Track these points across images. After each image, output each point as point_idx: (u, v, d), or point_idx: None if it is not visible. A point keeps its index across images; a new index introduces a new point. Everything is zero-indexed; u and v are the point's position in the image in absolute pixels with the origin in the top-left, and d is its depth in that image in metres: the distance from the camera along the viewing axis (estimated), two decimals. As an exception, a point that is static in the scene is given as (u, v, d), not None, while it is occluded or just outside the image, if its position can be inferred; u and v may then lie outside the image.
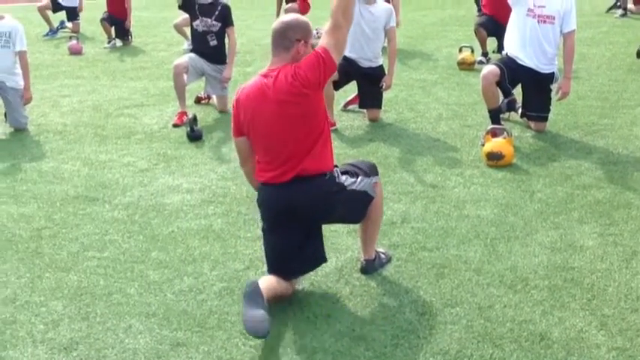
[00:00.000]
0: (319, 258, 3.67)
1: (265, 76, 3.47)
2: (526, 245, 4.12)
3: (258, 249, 4.22)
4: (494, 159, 5.38)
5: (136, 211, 4.84)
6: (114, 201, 5.03)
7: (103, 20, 11.08)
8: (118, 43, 11.16)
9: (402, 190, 4.94)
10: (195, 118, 6.41)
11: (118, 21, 11.11)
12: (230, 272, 3.93)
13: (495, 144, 5.46)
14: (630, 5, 11.75)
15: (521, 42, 5.82)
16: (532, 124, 6.11)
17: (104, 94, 8.11)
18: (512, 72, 5.81)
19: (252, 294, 3.27)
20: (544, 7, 5.75)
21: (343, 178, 3.59)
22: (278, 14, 11.12)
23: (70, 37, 10.94)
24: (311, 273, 3.73)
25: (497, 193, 4.90)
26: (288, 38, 3.44)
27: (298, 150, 3.44)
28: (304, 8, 10.42)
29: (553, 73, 5.92)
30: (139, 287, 3.80)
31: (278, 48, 3.47)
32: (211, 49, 6.98)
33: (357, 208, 3.68)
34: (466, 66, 8.55)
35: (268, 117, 3.42)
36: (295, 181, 3.46)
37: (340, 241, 4.21)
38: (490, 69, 5.83)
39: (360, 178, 3.65)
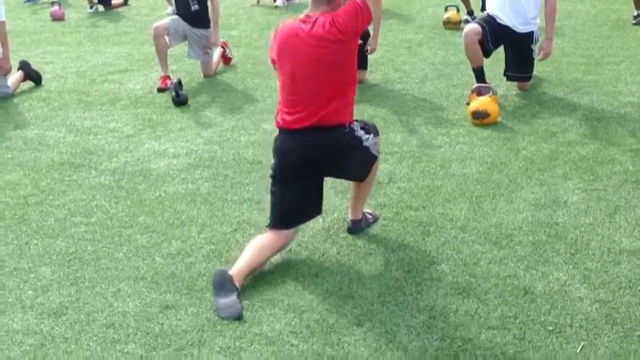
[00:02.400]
0: (318, 209, 3.73)
1: (303, 21, 3.51)
2: (511, 202, 4.16)
3: (246, 212, 4.25)
4: (480, 117, 5.40)
5: (123, 176, 4.84)
6: (100, 167, 5.02)
7: None
8: (101, 8, 11.01)
9: (388, 150, 4.95)
10: (180, 83, 6.37)
11: None
12: (218, 235, 3.96)
13: (480, 102, 5.47)
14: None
15: (501, 0, 5.80)
16: (516, 83, 6.12)
17: (88, 60, 8.03)
18: (493, 31, 5.79)
19: (221, 282, 3.30)
20: None
21: (361, 132, 3.63)
22: None
23: (52, 3, 10.78)
24: (299, 233, 3.76)
25: (483, 151, 4.92)
26: None
27: (322, 96, 3.46)
28: None
29: (532, 32, 5.88)
30: (127, 252, 3.82)
31: (321, 1, 3.50)
32: (193, 13, 6.87)
33: (365, 165, 3.71)
34: (452, 25, 8.50)
35: (300, 58, 3.47)
36: (314, 129, 3.48)
37: (327, 201, 4.22)
38: (472, 27, 5.81)
39: (371, 135, 3.68)
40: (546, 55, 5.92)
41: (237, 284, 3.31)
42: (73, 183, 4.77)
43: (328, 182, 3.91)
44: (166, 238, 3.95)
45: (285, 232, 3.61)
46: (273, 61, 3.68)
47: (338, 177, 3.92)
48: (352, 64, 3.54)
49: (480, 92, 5.61)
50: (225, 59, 7.50)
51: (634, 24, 8.04)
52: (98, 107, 6.37)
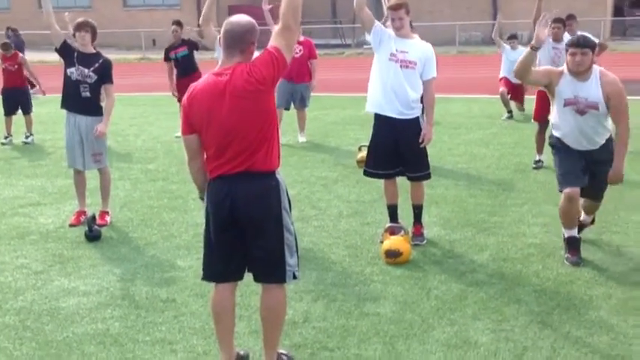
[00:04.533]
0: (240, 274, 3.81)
1: (219, 74, 3.60)
2: (424, 342, 4.22)
3: (158, 353, 4.13)
4: (393, 256, 5.54)
5: (29, 316, 4.66)
6: (5, 306, 4.82)
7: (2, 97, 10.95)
8: (15, 139, 10.92)
9: (304, 289, 4.99)
10: (94, 217, 6.31)
11: (16, 91, 10.90)
12: (127, 379, 3.82)
13: (393, 241, 5.63)
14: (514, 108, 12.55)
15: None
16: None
17: (-2, 193, 7.87)
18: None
19: None
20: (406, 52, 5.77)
21: (286, 206, 3.72)
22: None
23: (-36, 133, 10.64)
24: None
25: (396, 290, 5.02)
26: (245, 41, 3.61)
27: (249, 146, 3.56)
28: None
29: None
30: (29, 398, 3.63)
31: (234, 49, 3.61)
32: (82, 99, 6.50)
33: (277, 238, 3.68)
34: (364, 164, 8.81)
35: (223, 112, 3.54)
36: (243, 175, 3.58)
37: (242, 342, 4.18)
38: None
39: (294, 247, 3.76)
40: (428, 140, 5.82)
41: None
42: (-26, 323, 4.55)
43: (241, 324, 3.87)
44: (72, 383, 3.78)
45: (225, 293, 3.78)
46: (189, 132, 3.68)
47: (253, 244, 3.71)
48: (273, 110, 3.67)
49: (392, 231, 5.79)
50: None
51: (534, 168, 8.57)
52: (6, 242, 6.19)
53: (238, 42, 3.60)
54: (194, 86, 3.70)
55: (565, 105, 5.36)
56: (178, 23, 11.18)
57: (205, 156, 3.72)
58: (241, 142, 3.57)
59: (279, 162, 3.74)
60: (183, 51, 10.99)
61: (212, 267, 3.78)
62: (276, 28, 3.69)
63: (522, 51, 11.74)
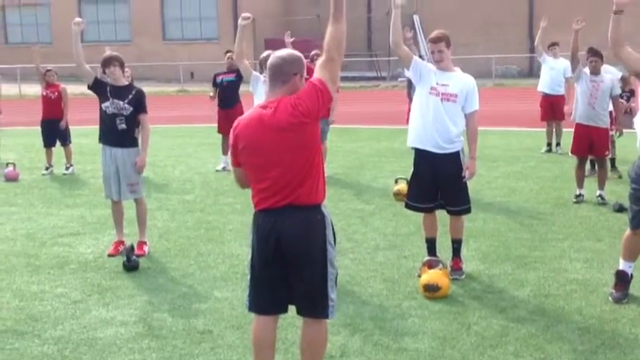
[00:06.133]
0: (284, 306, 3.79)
1: (264, 107, 3.62)
2: (464, 380, 4.13)
3: (194, 386, 4.11)
4: (431, 290, 5.46)
5: (67, 345, 4.68)
6: (44, 335, 4.86)
7: (41, 127, 11.19)
8: (56, 170, 11.11)
9: (341, 322, 4.93)
10: (132, 248, 6.35)
11: (54, 123, 11.11)
12: (164, 411, 3.80)
13: (432, 275, 5.55)
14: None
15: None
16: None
17: (39, 222, 7.99)
18: None
19: None
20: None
21: (331, 240, 3.71)
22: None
23: (7, 164, 10.85)
24: None
25: (435, 325, 4.94)
26: (285, 72, 3.63)
27: (293, 180, 3.56)
28: None
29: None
30: None
31: (276, 82, 3.63)
32: (119, 132, 6.56)
33: (320, 280, 3.66)
34: (402, 197, 8.72)
35: (267, 145, 3.56)
36: (289, 209, 3.58)
37: (278, 376, 4.14)
38: None
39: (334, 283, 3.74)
40: (472, 174, 5.79)
41: None
42: (14, 352, 4.58)
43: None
44: (109, 415, 3.77)
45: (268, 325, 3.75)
46: (237, 164, 3.73)
47: (297, 278, 3.69)
48: (317, 144, 3.66)
49: (431, 265, 5.72)
50: None
51: (575, 202, 8.43)
52: (46, 271, 6.25)
53: (279, 74, 3.64)
54: (240, 120, 3.74)
55: None
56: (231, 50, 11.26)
57: (251, 188, 3.73)
58: (286, 175, 3.57)
59: (325, 195, 3.73)
60: (230, 77, 11.09)
61: (256, 299, 3.77)
62: (319, 61, 3.71)
63: (564, 61, 11.70)
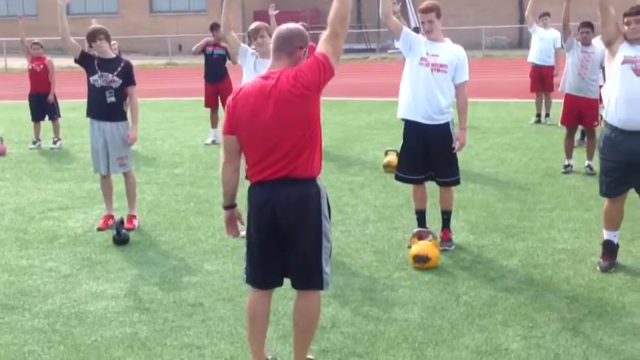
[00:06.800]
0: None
1: (266, 77, 3.61)
2: (453, 349, 4.17)
3: (186, 357, 4.13)
4: (421, 261, 5.49)
5: (57, 319, 4.68)
6: (34, 309, 4.86)
7: (29, 100, 11.10)
8: (43, 144, 11.04)
9: (331, 294, 4.95)
10: (122, 221, 6.33)
11: (42, 97, 11.01)
12: (155, 383, 3.82)
13: (422, 246, 5.58)
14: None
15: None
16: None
17: (27, 197, 7.95)
18: None
19: None
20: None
21: (326, 213, 3.70)
22: None
23: (-7, 138, 10.77)
24: None
25: (424, 295, 4.97)
26: (292, 44, 3.63)
27: (291, 150, 3.55)
28: None
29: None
30: (59, 402, 3.64)
31: (281, 52, 3.63)
32: (108, 105, 6.49)
33: (315, 244, 3.66)
34: (392, 169, 8.74)
35: (267, 115, 3.54)
36: (284, 181, 3.57)
37: (270, 347, 4.16)
38: None
39: (329, 256, 3.73)
40: (462, 145, 5.80)
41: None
42: (4, 326, 4.58)
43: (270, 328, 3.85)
44: (101, 387, 3.79)
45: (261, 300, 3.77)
46: (230, 132, 3.66)
47: (291, 250, 3.70)
48: (317, 117, 3.65)
49: (420, 236, 5.74)
50: None
51: (563, 173, 8.46)
52: (35, 245, 6.23)
53: (286, 45, 3.63)
54: (240, 87, 3.74)
55: (623, 62, 5.15)
56: (217, 24, 11.06)
57: (246, 161, 3.71)
58: (283, 147, 3.56)
59: (321, 169, 3.72)
60: (220, 50, 10.99)
61: (254, 273, 3.77)
62: (323, 35, 3.69)
63: (554, 32, 11.66)
